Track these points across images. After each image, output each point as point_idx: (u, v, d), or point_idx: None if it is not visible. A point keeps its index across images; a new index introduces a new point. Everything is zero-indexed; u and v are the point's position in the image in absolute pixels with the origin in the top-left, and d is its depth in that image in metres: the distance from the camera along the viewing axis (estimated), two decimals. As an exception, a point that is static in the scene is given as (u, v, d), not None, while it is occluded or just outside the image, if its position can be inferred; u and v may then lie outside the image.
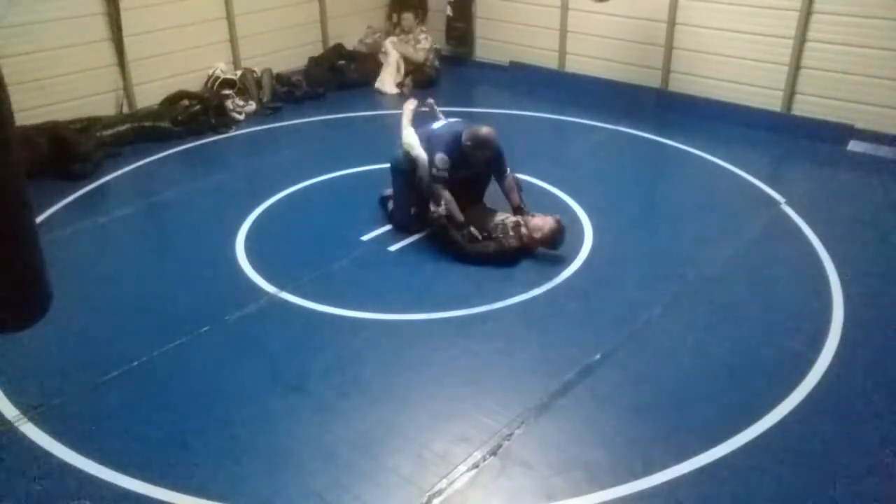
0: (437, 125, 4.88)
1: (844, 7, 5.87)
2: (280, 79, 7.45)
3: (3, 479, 2.94)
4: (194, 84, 6.97)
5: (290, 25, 7.74)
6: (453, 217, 4.47)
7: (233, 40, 7.27)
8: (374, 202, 5.08)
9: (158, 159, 6.10)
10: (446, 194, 4.49)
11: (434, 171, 4.53)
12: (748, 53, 6.44)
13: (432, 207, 4.52)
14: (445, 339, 3.79)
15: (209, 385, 3.48)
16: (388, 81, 7.77)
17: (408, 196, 4.77)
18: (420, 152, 4.64)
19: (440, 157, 4.52)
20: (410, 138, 4.72)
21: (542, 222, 4.46)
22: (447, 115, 5.15)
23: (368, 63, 7.96)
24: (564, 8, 7.45)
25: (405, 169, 4.75)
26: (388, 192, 5.00)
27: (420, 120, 5.02)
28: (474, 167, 4.61)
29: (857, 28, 5.86)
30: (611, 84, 7.29)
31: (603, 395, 3.39)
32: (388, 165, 4.90)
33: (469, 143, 4.51)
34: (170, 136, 6.39)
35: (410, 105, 5.05)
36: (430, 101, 5.28)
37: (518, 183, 4.72)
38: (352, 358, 3.66)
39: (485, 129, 4.53)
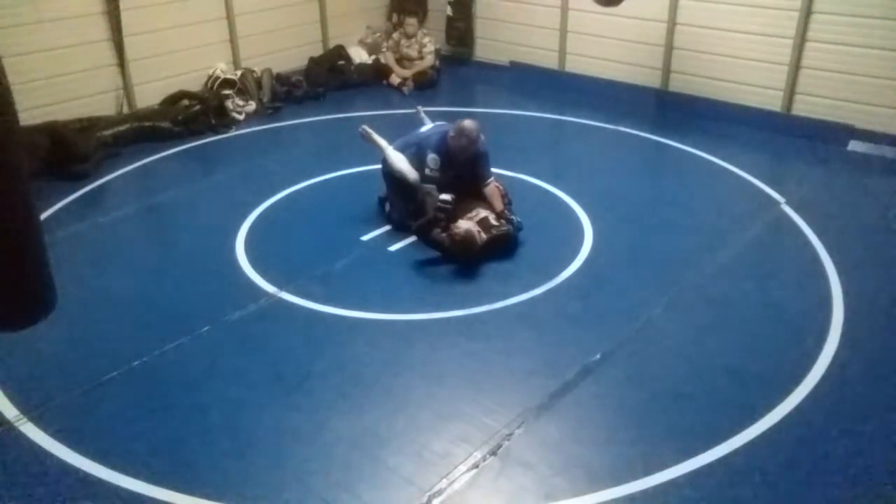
0: (423, 129, 4.94)
1: (844, 7, 5.87)
2: (280, 79, 7.45)
3: (3, 479, 2.93)
4: (194, 84, 6.97)
5: (290, 25, 7.74)
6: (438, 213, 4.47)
7: (233, 40, 7.27)
8: (373, 202, 5.08)
9: (158, 159, 6.10)
10: (434, 193, 4.54)
11: (427, 171, 4.57)
12: (748, 53, 6.44)
13: (440, 202, 4.47)
14: (445, 339, 3.79)
15: (209, 385, 3.48)
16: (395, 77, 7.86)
17: (402, 196, 4.77)
18: (407, 169, 4.64)
19: (431, 157, 4.57)
20: (401, 164, 4.67)
21: (463, 225, 4.36)
22: (446, 116, 5.16)
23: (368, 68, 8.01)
24: (564, 8, 7.44)
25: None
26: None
27: (407, 126, 5.04)
28: (462, 165, 4.61)
29: (857, 28, 5.86)
30: (611, 84, 7.29)
31: (603, 395, 3.39)
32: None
33: (453, 136, 4.53)
34: (170, 136, 6.39)
35: (369, 130, 4.94)
36: (419, 107, 5.39)
37: (505, 193, 4.68)
38: (352, 358, 3.66)
39: (467, 122, 4.57)
